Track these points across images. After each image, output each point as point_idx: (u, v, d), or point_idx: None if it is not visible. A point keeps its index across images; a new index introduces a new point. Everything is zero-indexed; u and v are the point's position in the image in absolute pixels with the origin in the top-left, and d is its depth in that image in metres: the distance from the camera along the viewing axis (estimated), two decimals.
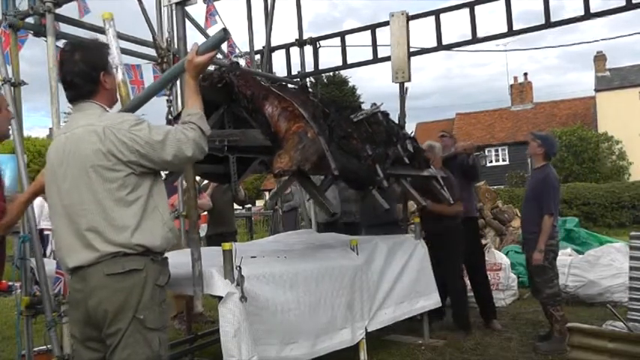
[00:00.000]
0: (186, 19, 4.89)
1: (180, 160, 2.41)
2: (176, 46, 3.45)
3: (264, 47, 6.18)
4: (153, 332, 2.33)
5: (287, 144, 3.24)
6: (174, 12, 3.39)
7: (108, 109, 2.48)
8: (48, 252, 8.18)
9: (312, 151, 3.26)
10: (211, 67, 4.13)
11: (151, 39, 4.11)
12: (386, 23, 5.88)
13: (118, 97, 3.27)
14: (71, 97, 2.48)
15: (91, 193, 2.30)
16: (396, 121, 5.42)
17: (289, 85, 4.60)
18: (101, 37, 3.65)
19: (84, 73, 2.41)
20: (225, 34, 2.67)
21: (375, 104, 4.44)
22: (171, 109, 3.61)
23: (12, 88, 3.65)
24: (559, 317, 4.81)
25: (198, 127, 2.43)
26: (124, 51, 4.35)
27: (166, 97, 3.57)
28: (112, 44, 3.34)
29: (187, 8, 3.53)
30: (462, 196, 5.61)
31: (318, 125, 3.45)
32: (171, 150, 2.35)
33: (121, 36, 4.12)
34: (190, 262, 3.15)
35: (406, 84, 5.80)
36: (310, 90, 4.24)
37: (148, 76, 4.80)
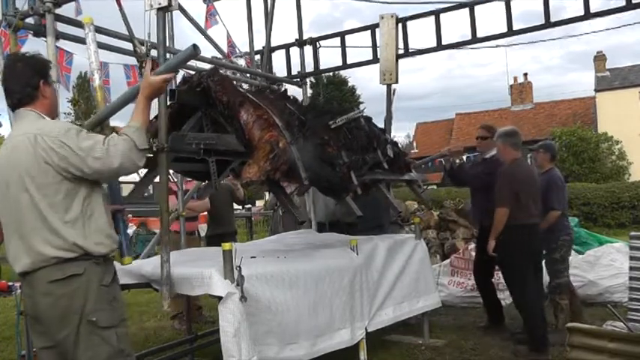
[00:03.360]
0: (187, 20, 4.91)
1: (108, 170, 2.40)
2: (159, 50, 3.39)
3: (264, 47, 6.19)
4: (108, 330, 2.40)
5: (258, 153, 3.27)
6: (150, 17, 3.33)
7: (47, 118, 2.51)
8: None
9: (283, 161, 3.29)
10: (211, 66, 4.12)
11: (148, 39, 4.09)
12: None
13: (95, 102, 3.30)
14: (12, 103, 2.52)
15: (29, 198, 2.34)
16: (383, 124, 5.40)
17: (269, 90, 4.59)
18: (100, 37, 3.65)
19: (24, 77, 2.47)
20: (195, 50, 2.65)
21: (357, 108, 4.44)
22: None
23: None
24: (564, 306, 4.90)
25: (131, 140, 2.42)
26: (123, 51, 4.34)
27: None
28: (91, 48, 3.35)
29: (187, 8, 3.51)
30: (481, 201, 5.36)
31: (291, 134, 3.47)
32: (97, 159, 2.36)
33: (120, 36, 4.12)
34: (188, 261, 3.15)
35: (395, 86, 5.75)
36: (290, 96, 4.25)
37: None
